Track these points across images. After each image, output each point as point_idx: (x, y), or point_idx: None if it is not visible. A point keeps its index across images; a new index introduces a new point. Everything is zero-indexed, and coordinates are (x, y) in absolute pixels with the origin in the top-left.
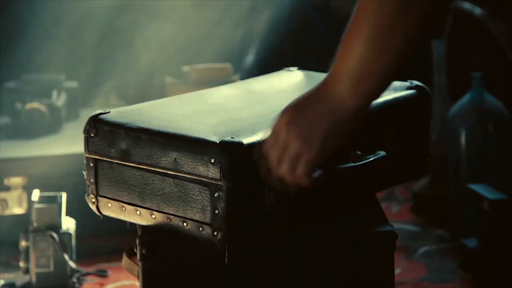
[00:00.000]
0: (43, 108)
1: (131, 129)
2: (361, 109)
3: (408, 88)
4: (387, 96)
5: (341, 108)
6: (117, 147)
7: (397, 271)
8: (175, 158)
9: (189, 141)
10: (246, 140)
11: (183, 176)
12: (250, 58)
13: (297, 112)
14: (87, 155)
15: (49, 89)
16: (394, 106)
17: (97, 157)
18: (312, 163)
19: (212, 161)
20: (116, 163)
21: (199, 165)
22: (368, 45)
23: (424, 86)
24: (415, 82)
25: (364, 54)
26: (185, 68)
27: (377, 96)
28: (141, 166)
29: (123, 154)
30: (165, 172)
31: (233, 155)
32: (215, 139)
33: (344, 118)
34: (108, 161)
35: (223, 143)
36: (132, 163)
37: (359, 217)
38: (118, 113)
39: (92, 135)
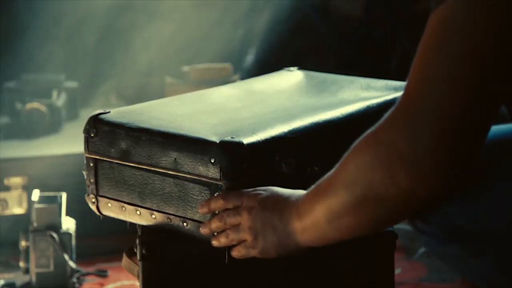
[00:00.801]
0: (43, 108)
1: (131, 129)
2: (310, 247)
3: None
4: (386, 96)
5: (292, 238)
6: (117, 147)
7: (397, 271)
8: (175, 158)
9: (189, 141)
10: (246, 140)
11: (183, 176)
12: (250, 58)
13: (264, 208)
14: (87, 155)
15: (49, 89)
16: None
17: (97, 157)
18: (249, 253)
19: (212, 161)
20: (116, 163)
21: (199, 165)
22: (329, 217)
23: None
24: None
25: (324, 222)
26: (185, 68)
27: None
28: (141, 166)
29: (123, 154)
30: (165, 172)
31: (233, 155)
32: (215, 139)
33: (292, 246)
34: (108, 161)
35: (223, 143)
36: (132, 163)
37: None
38: (118, 113)
39: (92, 135)
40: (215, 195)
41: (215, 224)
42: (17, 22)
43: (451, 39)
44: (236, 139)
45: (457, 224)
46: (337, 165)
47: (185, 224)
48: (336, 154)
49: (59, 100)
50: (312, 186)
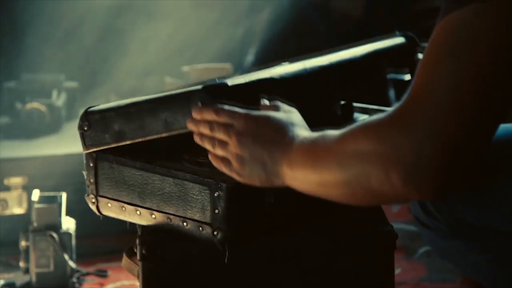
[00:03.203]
0: (43, 108)
1: (119, 107)
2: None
3: (395, 36)
4: (376, 45)
5: (280, 179)
6: (111, 130)
7: (397, 271)
8: (165, 119)
9: (175, 97)
10: (230, 82)
11: (183, 176)
12: (250, 58)
13: (255, 140)
14: (86, 152)
15: (49, 89)
16: (384, 53)
17: (95, 150)
18: (231, 175)
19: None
20: (116, 163)
21: (188, 117)
22: (318, 178)
23: (411, 34)
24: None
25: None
26: (185, 68)
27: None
28: (141, 164)
29: (117, 136)
30: (165, 172)
31: (217, 96)
32: (199, 87)
33: (279, 184)
34: (107, 158)
35: (206, 87)
36: (127, 140)
37: (359, 217)
38: (107, 104)
39: (85, 128)
40: (209, 109)
41: (202, 129)
42: (17, 22)
43: (460, 47)
44: (220, 82)
45: (462, 219)
46: (337, 136)
47: (185, 224)
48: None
49: (59, 100)
50: (311, 138)
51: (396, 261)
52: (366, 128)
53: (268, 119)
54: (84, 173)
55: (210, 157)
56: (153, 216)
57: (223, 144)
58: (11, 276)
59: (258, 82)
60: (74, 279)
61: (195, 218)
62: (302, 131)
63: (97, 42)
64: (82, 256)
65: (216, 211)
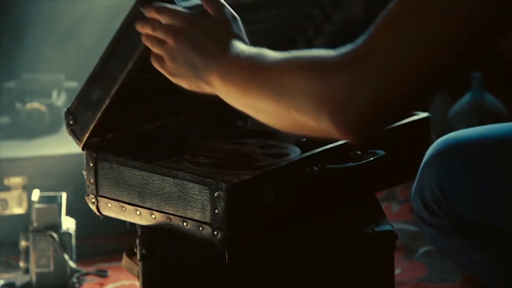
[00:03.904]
0: (43, 108)
1: (87, 80)
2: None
3: None
4: None
5: (209, 86)
6: (91, 104)
7: (397, 271)
8: (125, 48)
9: (123, 23)
10: None
11: (183, 176)
12: None
13: (192, 46)
14: (82, 146)
15: (49, 89)
16: None
17: (88, 137)
18: (163, 72)
19: None
20: (116, 163)
21: None
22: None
23: None
24: None
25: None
26: None
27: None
28: (141, 165)
29: (99, 103)
30: (165, 172)
31: None
32: None
33: (207, 90)
34: (107, 158)
35: None
36: (107, 98)
37: (359, 217)
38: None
39: (71, 122)
40: (152, 8)
41: (147, 28)
42: (17, 22)
43: (419, 10)
44: None
45: (464, 218)
46: (278, 60)
47: (185, 224)
48: None
49: (59, 100)
50: (249, 53)
51: (396, 261)
52: (311, 63)
53: (209, 24)
54: (84, 173)
55: (151, 58)
56: (153, 216)
57: (161, 42)
58: (11, 276)
59: None
60: (74, 279)
61: (195, 218)
62: (241, 43)
63: (97, 42)
64: (82, 256)
65: (216, 211)
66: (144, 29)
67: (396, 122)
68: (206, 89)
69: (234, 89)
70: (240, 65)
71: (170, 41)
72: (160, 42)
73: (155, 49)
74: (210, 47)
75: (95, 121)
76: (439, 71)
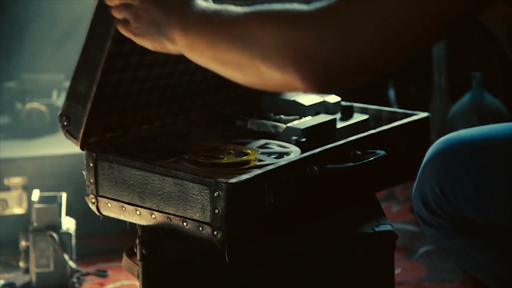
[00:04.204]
0: (43, 108)
1: (72, 77)
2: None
3: None
4: None
5: (172, 45)
6: (80, 98)
7: (397, 271)
8: (102, 30)
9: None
10: None
11: (183, 176)
12: None
13: (156, 3)
14: (80, 145)
15: (49, 89)
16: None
17: (83, 132)
18: (128, 35)
19: None
20: (116, 163)
21: None
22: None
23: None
24: None
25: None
26: None
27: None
28: (141, 165)
29: (87, 94)
30: (165, 172)
31: None
32: None
33: (171, 50)
34: (107, 158)
35: None
36: (94, 86)
37: (359, 217)
38: None
39: (66, 123)
40: None
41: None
42: (16, 22)
43: None
44: None
45: (465, 216)
46: (245, 13)
47: (185, 224)
48: None
49: (59, 100)
50: (214, 9)
51: (396, 261)
52: (281, 14)
53: None
54: (84, 173)
55: (117, 22)
56: (153, 216)
57: (127, 5)
58: (11, 276)
59: None
60: (74, 279)
61: (195, 218)
62: (205, 2)
63: None
64: (82, 256)
65: (216, 211)
66: (112, 1)
67: (361, 81)
68: (169, 47)
69: (198, 42)
70: (203, 18)
71: (135, 2)
72: (126, 6)
73: (121, 14)
74: (173, 4)
75: (87, 114)
76: (409, 37)
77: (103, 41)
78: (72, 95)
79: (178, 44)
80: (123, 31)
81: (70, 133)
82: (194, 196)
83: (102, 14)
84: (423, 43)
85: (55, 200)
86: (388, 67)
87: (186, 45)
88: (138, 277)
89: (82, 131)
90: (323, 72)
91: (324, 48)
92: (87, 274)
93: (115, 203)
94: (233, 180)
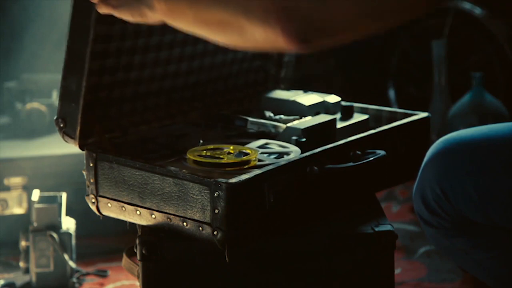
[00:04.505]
0: (43, 108)
1: (62, 75)
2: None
3: None
4: None
5: (153, 13)
6: (73, 96)
7: (397, 271)
8: (89, 23)
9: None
10: None
11: (183, 176)
12: None
13: None
14: (83, 148)
15: (49, 89)
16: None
17: (81, 130)
18: (109, 11)
19: None
20: (116, 163)
21: None
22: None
23: None
24: None
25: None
26: None
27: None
28: (141, 165)
29: (77, 91)
30: (165, 172)
31: None
32: None
33: (151, 18)
34: (107, 158)
35: None
36: (85, 77)
37: (359, 217)
38: None
39: (62, 125)
40: None
41: None
42: (16, 22)
43: None
44: None
45: (466, 216)
46: None
47: (185, 224)
48: None
49: None
50: None
51: (396, 261)
52: None
53: None
54: (84, 173)
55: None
56: (153, 216)
57: None
58: (11, 276)
59: None
60: (74, 279)
61: (195, 218)
62: None
63: None
64: (82, 256)
65: (216, 211)
66: None
67: (344, 40)
68: (149, 15)
69: (178, 3)
70: None
71: None
72: None
73: None
74: None
75: (81, 111)
76: (397, 4)
77: (85, 31)
78: (64, 95)
79: (157, 10)
80: (103, 9)
81: (68, 134)
82: (194, 196)
83: (80, 5)
84: (408, 10)
85: (55, 200)
86: (373, 28)
87: (166, 9)
88: (138, 277)
89: (78, 128)
90: (306, 26)
91: (308, 2)
92: (87, 274)
93: (115, 203)
94: (233, 180)
